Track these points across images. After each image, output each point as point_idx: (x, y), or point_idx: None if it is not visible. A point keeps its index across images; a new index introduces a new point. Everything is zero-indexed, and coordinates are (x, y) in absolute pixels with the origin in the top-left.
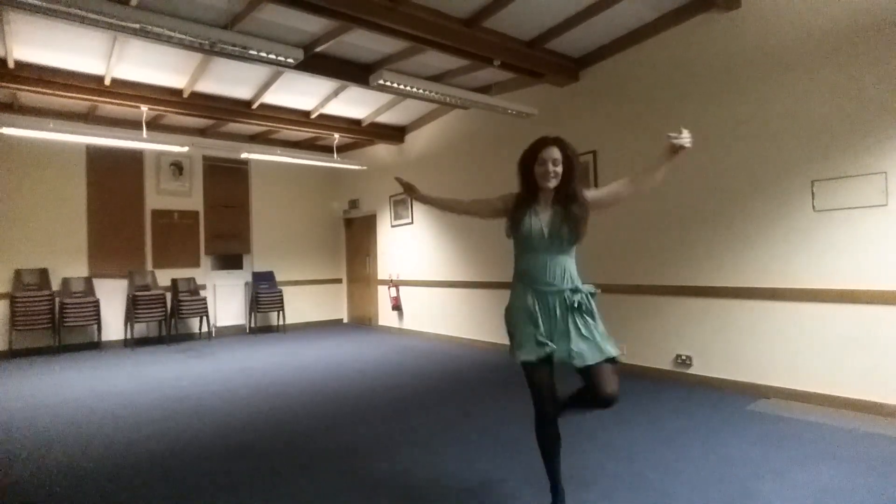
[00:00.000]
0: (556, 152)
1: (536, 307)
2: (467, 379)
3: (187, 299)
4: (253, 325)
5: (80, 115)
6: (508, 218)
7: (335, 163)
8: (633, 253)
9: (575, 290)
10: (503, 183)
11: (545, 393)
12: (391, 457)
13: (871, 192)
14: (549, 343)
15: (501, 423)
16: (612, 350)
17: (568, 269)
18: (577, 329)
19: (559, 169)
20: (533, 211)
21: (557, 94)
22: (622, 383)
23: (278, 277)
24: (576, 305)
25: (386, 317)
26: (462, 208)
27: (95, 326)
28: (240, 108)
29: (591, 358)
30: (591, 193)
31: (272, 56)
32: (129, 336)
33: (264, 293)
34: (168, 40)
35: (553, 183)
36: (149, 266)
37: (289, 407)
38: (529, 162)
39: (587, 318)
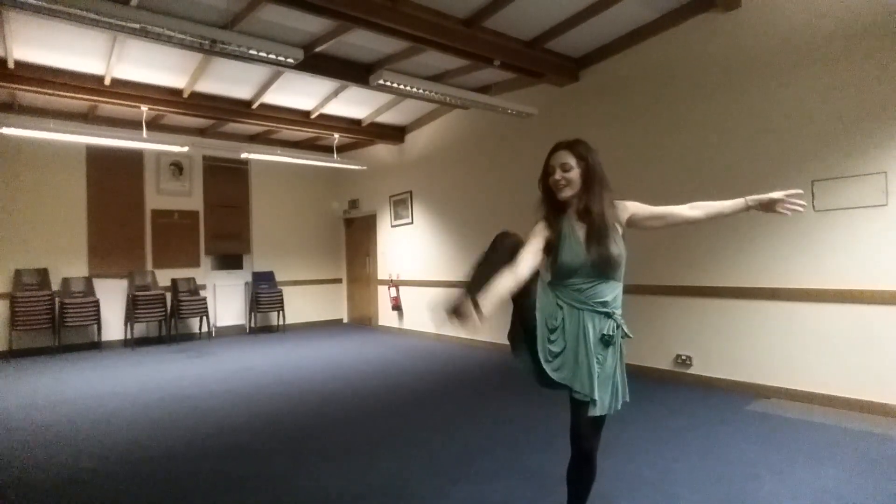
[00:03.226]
0: (564, 156)
1: (568, 321)
2: (467, 379)
3: (187, 299)
4: (253, 325)
5: (80, 115)
6: (550, 242)
7: (335, 163)
8: (633, 253)
9: (610, 315)
10: (503, 183)
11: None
12: (391, 457)
13: (871, 192)
14: (565, 373)
15: (501, 423)
16: (620, 403)
17: (614, 295)
18: (609, 367)
19: (571, 175)
20: (570, 230)
21: (557, 94)
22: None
23: (278, 277)
24: (609, 334)
25: (386, 317)
26: (527, 275)
27: (95, 326)
28: (240, 108)
29: (607, 407)
30: (632, 206)
31: (272, 56)
32: (129, 336)
33: (264, 293)
34: (168, 40)
35: (566, 193)
36: (149, 266)
37: (289, 407)
38: (545, 174)
39: (618, 354)
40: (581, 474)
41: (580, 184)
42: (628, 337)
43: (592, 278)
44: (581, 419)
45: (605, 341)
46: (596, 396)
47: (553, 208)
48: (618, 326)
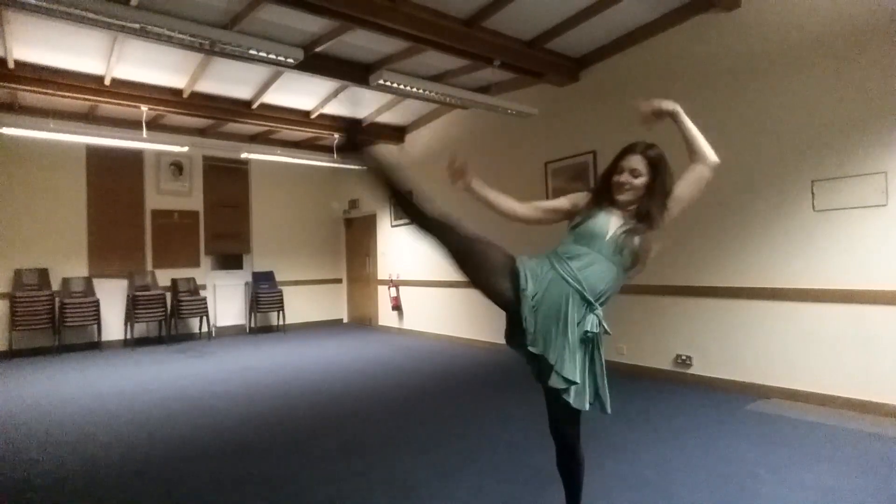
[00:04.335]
0: (637, 161)
1: (552, 280)
2: (467, 379)
3: (187, 299)
4: (253, 325)
5: (80, 115)
6: (579, 212)
7: (335, 163)
8: None
9: (593, 308)
10: (503, 183)
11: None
12: (391, 458)
13: (871, 192)
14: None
15: (501, 423)
16: (607, 402)
17: (608, 284)
18: (585, 361)
19: (638, 182)
20: (608, 211)
21: (557, 94)
22: (622, 384)
23: (278, 277)
24: (593, 331)
25: (386, 317)
26: (521, 215)
27: (95, 326)
28: (240, 108)
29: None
30: (674, 202)
31: (272, 56)
32: (129, 336)
33: (264, 293)
34: (168, 40)
35: (626, 196)
36: (149, 266)
37: (289, 407)
38: (610, 170)
39: (597, 351)
40: (568, 466)
41: (643, 191)
42: (607, 333)
43: (600, 255)
44: (557, 411)
45: (585, 339)
46: (575, 379)
47: (601, 198)
48: (599, 323)
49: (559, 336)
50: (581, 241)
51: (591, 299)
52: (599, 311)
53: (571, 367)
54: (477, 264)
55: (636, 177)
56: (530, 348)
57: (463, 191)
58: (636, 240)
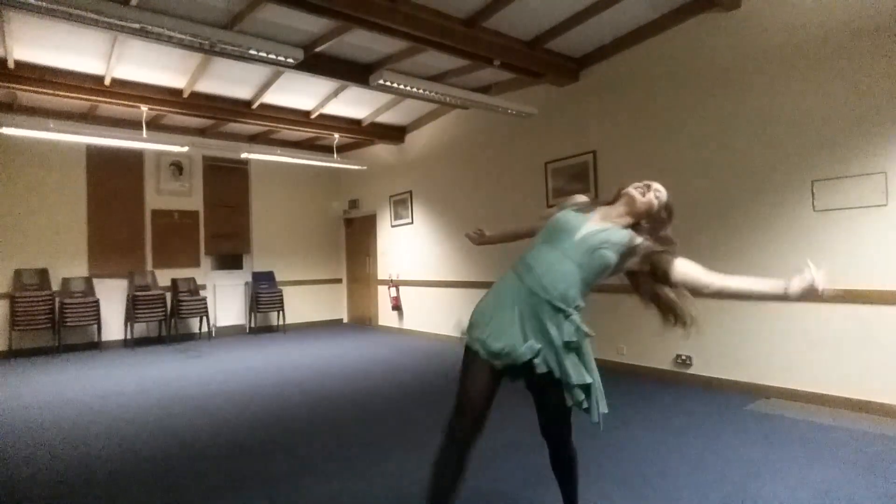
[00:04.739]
0: (658, 187)
1: (520, 302)
2: None
3: (187, 299)
4: (253, 325)
5: (80, 115)
6: (568, 205)
7: (335, 163)
8: None
9: (567, 315)
10: (503, 183)
11: (474, 396)
12: (391, 458)
13: (871, 192)
14: (531, 347)
15: (501, 424)
16: (603, 405)
17: (572, 286)
18: (573, 363)
19: (643, 195)
20: (592, 213)
21: (557, 94)
22: (622, 384)
23: (278, 277)
24: (570, 342)
25: (386, 317)
26: (537, 228)
27: (95, 326)
28: (240, 108)
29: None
30: (680, 266)
31: (272, 56)
32: (129, 336)
33: (264, 293)
34: (168, 40)
35: (627, 194)
36: (149, 266)
37: (288, 407)
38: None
39: (585, 358)
40: (564, 462)
41: (637, 212)
42: (588, 336)
43: (564, 255)
44: (552, 411)
45: (572, 347)
46: (587, 380)
47: (596, 202)
48: (577, 329)
49: (549, 349)
50: (550, 235)
51: (562, 306)
52: (575, 316)
53: (577, 371)
54: (488, 394)
55: (653, 192)
56: (543, 371)
57: (486, 245)
58: (613, 255)
